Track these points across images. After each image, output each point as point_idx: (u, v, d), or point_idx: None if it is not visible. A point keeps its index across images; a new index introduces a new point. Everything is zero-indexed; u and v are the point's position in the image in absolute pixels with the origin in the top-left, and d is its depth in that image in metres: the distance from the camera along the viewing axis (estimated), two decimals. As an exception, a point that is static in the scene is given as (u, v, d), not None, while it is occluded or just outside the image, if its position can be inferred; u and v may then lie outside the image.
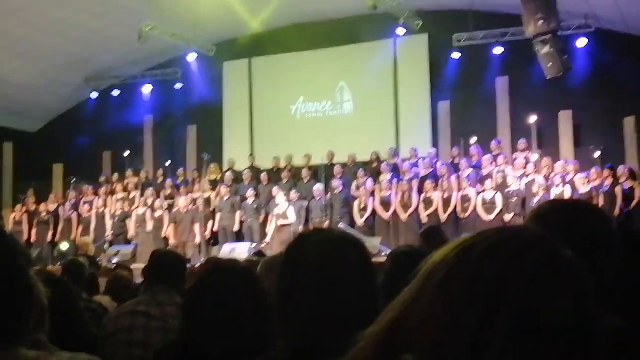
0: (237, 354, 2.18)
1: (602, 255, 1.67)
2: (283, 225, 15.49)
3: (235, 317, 2.20)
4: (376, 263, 2.94)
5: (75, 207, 17.87)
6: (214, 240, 16.76)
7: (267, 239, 15.77)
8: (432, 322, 0.91)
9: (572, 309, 0.88)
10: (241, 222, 16.60)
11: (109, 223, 17.27)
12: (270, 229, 15.81)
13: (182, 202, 16.59)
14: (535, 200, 14.00)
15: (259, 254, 7.30)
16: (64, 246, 15.05)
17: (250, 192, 16.53)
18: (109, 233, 17.10)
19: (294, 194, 16.01)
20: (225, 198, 16.69)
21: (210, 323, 2.22)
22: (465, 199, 14.83)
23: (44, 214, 17.78)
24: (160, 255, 4.01)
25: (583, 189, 14.07)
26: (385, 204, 15.44)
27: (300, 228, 15.33)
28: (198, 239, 16.22)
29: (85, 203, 17.81)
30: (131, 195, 17.95)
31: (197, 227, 16.23)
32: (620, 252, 1.79)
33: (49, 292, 2.51)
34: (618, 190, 14.08)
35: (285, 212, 15.58)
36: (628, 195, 14.06)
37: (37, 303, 2.26)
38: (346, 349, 1.10)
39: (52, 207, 18.11)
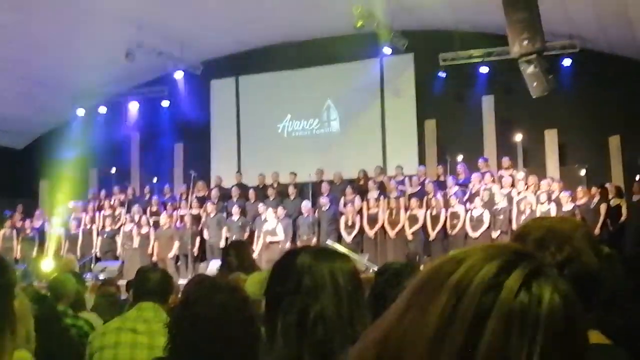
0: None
1: (586, 272, 1.69)
2: (272, 242, 15.46)
3: (222, 335, 2.19)
4: (364, 280, 2.96)
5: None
6: (203, 257, 16.73)
7: (254, 255, 15.71)
8: (416, 341, 0.89)
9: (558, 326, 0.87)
10: (227, 239, 16.58)
11: (96, 239, 17.21)
12: (258, 245, 15.77)
13: (163, 219, 16.59)
14: (522, 217, 14.11)
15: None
16: (46, 265, 14.92)
17: (235, 209, 16.53)
18: (96, 249, 17.04)
19: (280, 211, 16.00)
20: (212, 215, 16.69)
21: (196, 340, 2.21)
22: (454, 216, 14.88)
23: (28, 230, 17.72)
24: (146, 272, 4.00)
25: (566, 207, 14.16)
26: (372, 221, 15.46)
27: (288, 245, 15.32)
28: (171, 254, 16.24)
29: (74, 219, 17.76)
30: (117, 212, 17.89)
31: (175, 244, 16.25)
32: (604, 268, 1.80)
33: (35, 309, 2.51)
34: (603, 208, 14.16)
35: (275, 229, 15.56)
36: (615, 213, 14.14)
37: (20, 320, 2.26)
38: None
39: (37, 223, 18.02)
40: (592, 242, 1.88)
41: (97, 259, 16.86)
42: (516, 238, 1.91)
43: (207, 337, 2.19)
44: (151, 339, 3.48)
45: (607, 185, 14.72)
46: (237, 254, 4.84)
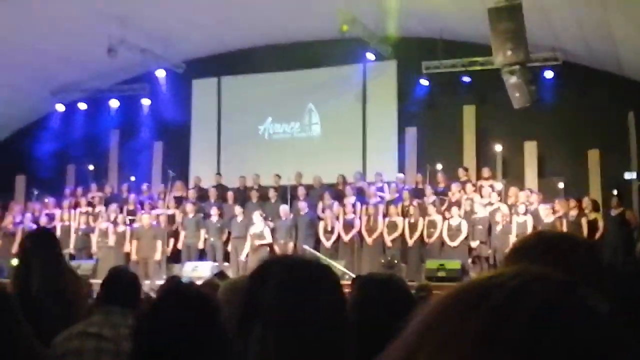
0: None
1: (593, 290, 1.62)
2: (261, 245, 15.35)
3: (187, 347, 2.11)
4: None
5: (36, 220, 17.58)
6: (177, 257, 16.58)
7: (242, 257, 15.57)
8: None
9: None
10: (205, 240, 16.45)
11: (72, 237, 17.00)
12: (246, 249, 15.59)
13: (145, 218, 16.39)
14: (498, 228, 14.14)
15: (221, 275, 7.16)
16: (16, 261, 14.61)
17: (214, 211, 16.40)
18: (71, 247, 16.83)
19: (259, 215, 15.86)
20: (190, 215, 16.54)
21: (161, 351, 2.14)
22: (432, 225, 14.85)
23: (9, 225, 17.45)
24: (115, 274, 3.87)
25: (547, 219, 14.16)
26: (348, 226, 15.41)
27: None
28: (158, 256, 16.04)
29: (45, 215, 17.54)
30: (96, 210, 17.69)
31: (159, 244, 16.06)
32: (611, 285, 1.73)
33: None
34: (584, 221, 14.20)
35: (262, 231, 15.47)
36: (591, 227, 14.18)
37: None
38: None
39: (18, 218, 17.78)
40: (596, 257, 1.80)
41: (72, 257, 16.64)
42: (515, 253, 1.83)
43: (173, 347, 2.12)
44: (117, 345, 3.38)
45: (584, 199, 14.76)
46: (36, 244, 4.44)
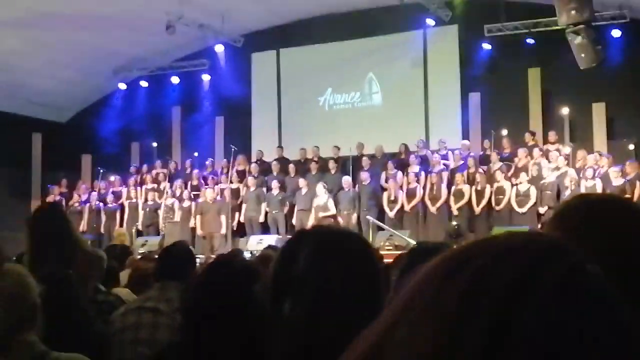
0: (233, 356, 2.05)
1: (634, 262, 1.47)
2: (325, 217, 15.35)
3: (231, 318, 2.06)
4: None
5: (102, 198, 17.92)
6: (242, 231, 16.71)
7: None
8: (414, 355, 0.68)
9: (603, 339, 0.66)
10: (266, 213, 16.52)
11: (140, 213, 17.28)
12: (310, 221, 15.60)
13: (208, 193, 16.54)
14: (567, 193, 13.81)
15: (274, 248, 7.11)
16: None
17: (274, 184, 16.43)
18: (139, 223, 17.14)
19: (322, 187, 15.85)
20: (252, 189, 16.61)
21: (208, 323, 2.09)
22: (500, 191, 14.60)
23: (76, 204, 17.83)
24: (170, 249, 3.88)
25: (616, 182, 13.78)
26: (411, 196, 15.27)
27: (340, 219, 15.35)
28: (224, 230, 16.19)
29: (112, 193, 17.85)
30: (161, 186, 17.93)
31: (223, 218, 16.19)
32: None
33: (45, 290, 2.41)
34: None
35: (326, 203, 15.48)
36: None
37: (15, 302, 2.15)
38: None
39: (84, 197, 18.15)
40: None
41: (140, 233, 16.97)
42: (556, 217, 1.69)
43: (217, 321, 2.07)
44: (173, 319, 3.37)
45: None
46: (41, 221, 4.31)
